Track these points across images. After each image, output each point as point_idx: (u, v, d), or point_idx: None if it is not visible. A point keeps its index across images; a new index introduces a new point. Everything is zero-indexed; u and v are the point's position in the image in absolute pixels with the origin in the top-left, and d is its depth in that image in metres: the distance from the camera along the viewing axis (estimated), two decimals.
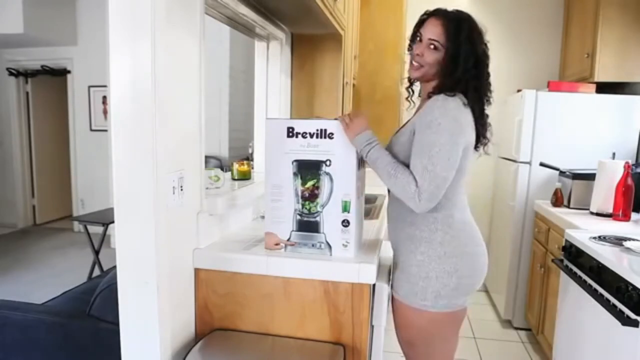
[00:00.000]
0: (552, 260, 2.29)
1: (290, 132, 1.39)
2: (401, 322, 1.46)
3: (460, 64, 1.32)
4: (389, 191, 1.52)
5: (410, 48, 1.45)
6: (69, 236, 5.40)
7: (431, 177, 1.26)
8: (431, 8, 1.40)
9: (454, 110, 1.30)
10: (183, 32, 1.34)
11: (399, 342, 1.53)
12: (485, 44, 1.36)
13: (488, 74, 1.39)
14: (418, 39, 1.39)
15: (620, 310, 1.56)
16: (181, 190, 1.35)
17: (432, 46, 1.35)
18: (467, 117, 1.33)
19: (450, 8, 1.39)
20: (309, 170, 1.39)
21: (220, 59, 4.65)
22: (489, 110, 1.42)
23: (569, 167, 2.77)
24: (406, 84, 1.56)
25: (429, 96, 1.36)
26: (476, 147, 1.43)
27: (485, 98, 1.39)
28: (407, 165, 1.33)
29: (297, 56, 2.71)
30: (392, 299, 1.49)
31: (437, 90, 1.35)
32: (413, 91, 1.55)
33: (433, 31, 1.35)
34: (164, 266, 1.29)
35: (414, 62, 1.40)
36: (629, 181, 2.30)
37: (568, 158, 2.85)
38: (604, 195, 2.42)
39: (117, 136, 1.23)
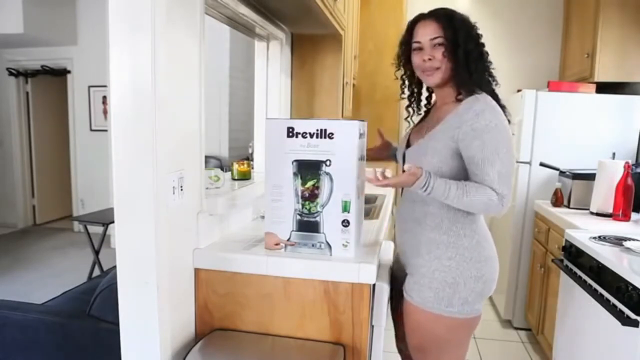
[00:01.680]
0: (552, 260, 2.29)
1: (290, 132, 1.39)
2: (415, 327, 1.43)
3: (461, 47, 1.32)
4: (402, 191, 1.51)
5: (404, 65, 1.45)
6: (69, 236, 5.40)
7: (506, 179, 1.27)
8: (431, 8, 1.40)
9: (497, 107, 1.31)
10: (183, 32, 1.34)
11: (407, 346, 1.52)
12: (475, 26, 1.37)
13: (487, 53, 1.39)
14: (418, 47, 1.38)
15: (620, 310, 1.56)
16: (181, 190, 1.35)
17: (436, 44, 1.35)
18: None
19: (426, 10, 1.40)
20: (309, 170, 1.39)
21: (220, 59, 4.65)
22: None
23: (569, 167, 2.77)
24: (405, 102, 1.55)
25: (458, 99, 1.35)
26: None
27: (492, 79, 1.39)
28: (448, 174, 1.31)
29: (297, 56, 2.71)
30: (402, 304, 1.46)
31: (459, 87, 1.36)
32: (413, 110, 1.54)
33: (430, 31, 1.35)
34: (164, 266, 1.29)
35: (427, 70, 1.38)
36: (629, 181, 2.30)
37: (568, 158, 2.85)
38: (604, 195, 2.42)
39: (117, 136, 1.23)
